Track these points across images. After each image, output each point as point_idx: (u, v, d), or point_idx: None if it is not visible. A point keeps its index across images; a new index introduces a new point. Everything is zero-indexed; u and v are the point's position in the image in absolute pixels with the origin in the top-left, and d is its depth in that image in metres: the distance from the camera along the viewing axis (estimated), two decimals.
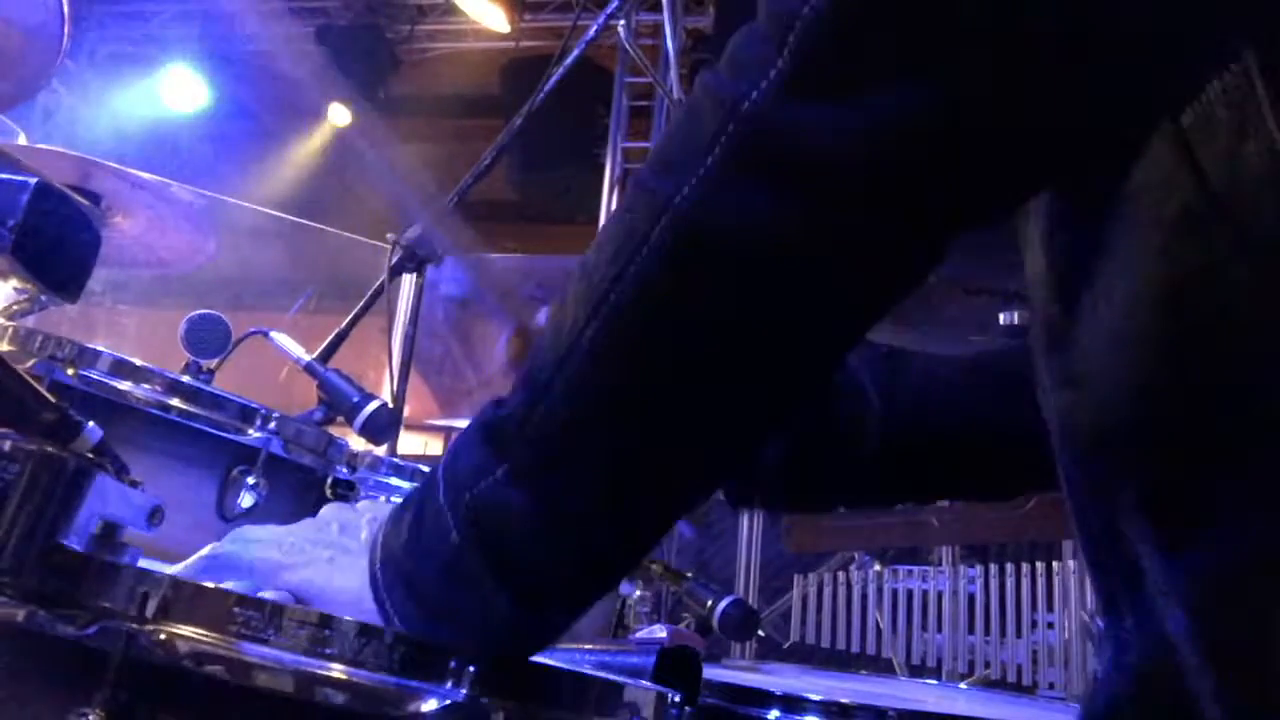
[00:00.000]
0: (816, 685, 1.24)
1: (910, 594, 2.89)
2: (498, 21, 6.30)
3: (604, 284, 0.59)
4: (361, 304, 1.90)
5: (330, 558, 0.69)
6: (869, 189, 0.55)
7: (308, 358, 1.61)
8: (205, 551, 0.74)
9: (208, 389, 1.41)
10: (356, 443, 1.58)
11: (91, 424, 0.72)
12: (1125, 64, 0.54)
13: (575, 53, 2.16)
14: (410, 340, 2.45)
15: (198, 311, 1.64)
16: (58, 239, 0.83)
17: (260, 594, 0.68)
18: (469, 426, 0.66)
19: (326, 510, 0.76)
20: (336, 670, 0.58)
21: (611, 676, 0.72)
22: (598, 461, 0.61)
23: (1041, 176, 0.59)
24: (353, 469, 1.56)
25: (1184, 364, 0.55)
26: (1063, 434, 0.63)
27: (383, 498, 1.63)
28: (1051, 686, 2.64)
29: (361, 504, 0.78)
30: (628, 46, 4.82)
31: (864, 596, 2.91)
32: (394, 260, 2.05)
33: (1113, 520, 0.59)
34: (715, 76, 0.59)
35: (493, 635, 0.62)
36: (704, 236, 0.57)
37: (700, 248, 0.57)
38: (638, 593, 1.35)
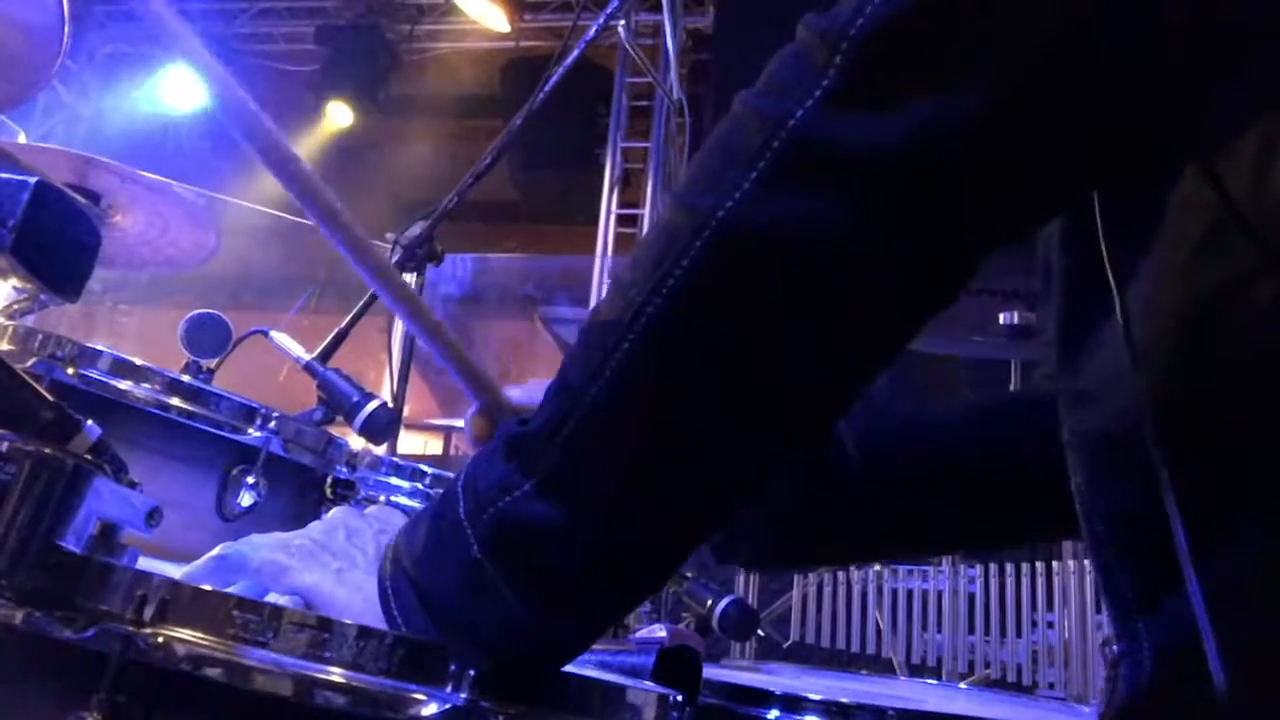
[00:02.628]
0: (816, 685, 1.24)
1: (910, 594, 2.89)
2: (498, 21, 6.30)
3: (642, 297, 0.59)
4: (361, 304, 1.90)
5: (339, 569, 0.69)
6: (912, 200, 0.56)
7: (308, 357, 1.61)
8: (214, 553, 0.74)
9: (208, 388, 1.41)
10: (356, 442, 1.58)
11: (90, 422, 0.71)
12: (1170, 79, 0.55)
13: (575, 53, 2.15)
14: (410, 340, 2.44)
15: (198, 311, 1.64)
16: (58, 239, 0.83)
17: (268, 597, 0.68)
18: (492, 443, 0.65)
19: (335, 514, 0.75)
20: (336, 674, 0.58)
21: (611, 677, 0.72)
22: (633, 473, 0.61)
23: (1077, 189, 0.60)
24: (353, 468, 1.56)
25: (1200, 381, 0.55)
26: (1077, 453, 0.63)
27: (383, 497, 1.62)
28: (1051, 686, 2.63)
29: (371, 509, 0.77)
30: (628, 46, 4.81)
31: (864, 596, 2.91)
32: (394, 260, 2.05)
33: (1128, 536, 0.59)
34: (755, 96, 0.60)
35: (510, 649, 0.61)
36: (749, 248, 0.58)
37: (745, 259, 0.58)
38: None
